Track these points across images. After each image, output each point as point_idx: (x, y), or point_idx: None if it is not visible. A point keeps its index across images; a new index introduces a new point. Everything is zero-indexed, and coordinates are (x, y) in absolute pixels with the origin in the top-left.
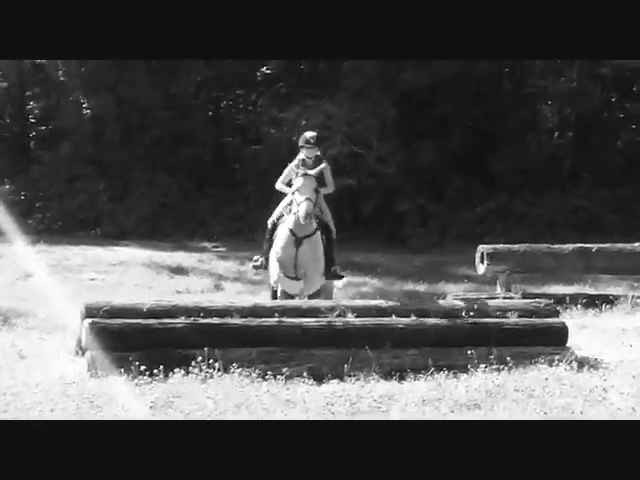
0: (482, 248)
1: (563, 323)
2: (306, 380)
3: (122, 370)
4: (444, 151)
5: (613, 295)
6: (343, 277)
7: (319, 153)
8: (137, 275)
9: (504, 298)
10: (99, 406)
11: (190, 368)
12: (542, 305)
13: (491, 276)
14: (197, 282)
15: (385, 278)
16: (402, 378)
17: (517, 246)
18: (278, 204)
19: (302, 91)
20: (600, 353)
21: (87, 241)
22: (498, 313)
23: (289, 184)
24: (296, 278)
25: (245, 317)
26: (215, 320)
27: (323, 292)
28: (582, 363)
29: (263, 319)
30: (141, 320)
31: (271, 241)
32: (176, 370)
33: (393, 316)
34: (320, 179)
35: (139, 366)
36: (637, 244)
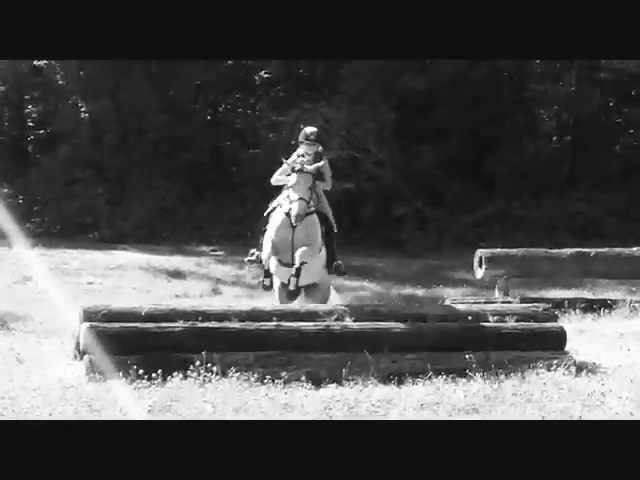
0: (480, 252)
1: (561, 327)
2: (304, 384)
3: (120, 374)
4: (442, 155)
5: (611, 299)
6: (346, 273)
7: (319, 150)
8: (135, 279)
9: (502, 302)
10: (97, 410)
11: (188, 372)
12: (540, 309)
13: (489, 280)
14: (195, 286)
15: (383, 282)
16: (400, 382)
17: (515, 250)
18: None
19: (300, 95)
20: (598, 357)
21: (85, 245)
22: (496, 317)
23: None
24: (292, 264)
25: (243, 321)
26: (213, 324)
27: (320, 288)
28: (580, 367)
29: (261, 323)
30: (139, 324)
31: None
32: (174, 374)
33: (391, 320)
34: (317, 175)
35: (137, 370)
36: (635, 248)
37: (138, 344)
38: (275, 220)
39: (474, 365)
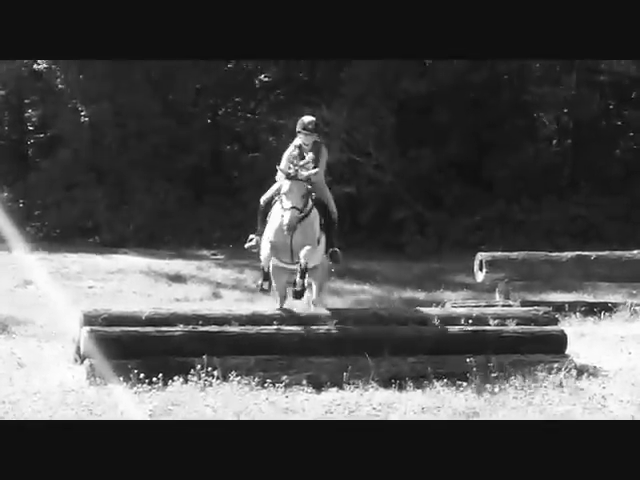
0: (481, 256)
1: (562, 331)
2: (305, 388)
3: (121, 378)
4: (442, 159)
5: (612, 303)
6: (339, 262)
7: (317, 139)
8: (135, 283)
9: (503, 306)
10: (98, 414)
11: (189, 376)
12: (541, 313)
13: (490, 284)
14: (195, 290)
15: (384, 286)
16: (401, 386)
17: (516, 254)
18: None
19: (300, 98)
20: (599, 361)
21: (85, 249)
22: (497, 321)
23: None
24: (292, 264)
25: (244, 325)
26: (214, 328)
27: (320, 268)
28: (581, 371)
29: (262, 327)
30: (139, 328)
31: (265, 222)
32: (175, 378)
33: (392, 324)
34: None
35: (138, 374)
36: (635, 252)
37: (138, 348)
38: (273, 222)
39: (475, 369)
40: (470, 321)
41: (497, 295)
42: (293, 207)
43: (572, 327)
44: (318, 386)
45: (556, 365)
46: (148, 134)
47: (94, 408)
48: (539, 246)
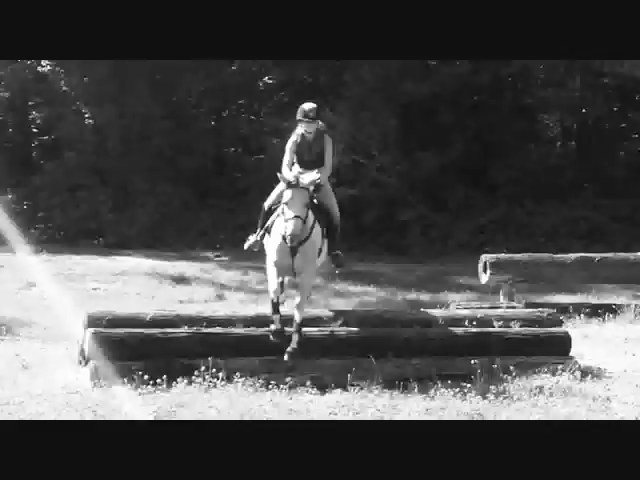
0: (485, 257)
1: (566, 332)
2: (309, 390)
3: (125, 380)
4: (446, 161)
5: (616, 304)
6: (343, 265)
7: (320, 126)
8: (140, 285)
9: (507, 307)
10: (102, 415)
11: (193, 378)
12: (545, 314)
13: (494, 285)
14: (200, 292)
15: (387, 288)
16: (405, 388)
17: (520, 255)
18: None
19: (304, 101)
20: (603, 362)
21: (90, 251)
22: (501, 323)
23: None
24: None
25: (248, 326)
26: (218, 330)
27: (311, 280)
28: (585, 372)
29: (266, 328)
30: (144, 330)
31: (266, 226)
32: (179, 380)
33: (396, 326)
34: (315, 187)
35: (142, 376)
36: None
37: (143, 350)
38: (273, 242)
39: (479, 370)
40: (474, 323)
41: (501, 297)
42: (296, 216)
43: (576, 329)
44: (322, 388)
45: (560, 367)
46: (152, 136)
47: (98, 410)
48: (543, 248)
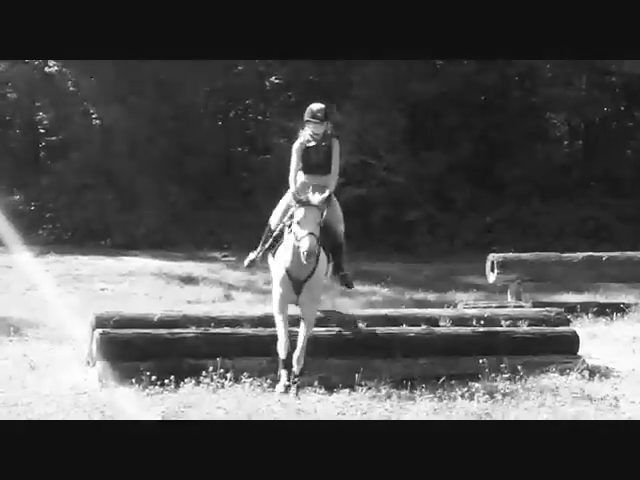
0: (492, 257)
1: (574, 332)
2: (317, 390)
3: (133, 380)
4: (453, 160)
5: (624, 303)
6: (352, 286)
7: (328, 129)
8: (147, 285)
9: (514, 307)
10: (110, 416)
11: (201, 378)
12: (553, 314)
13: (501, 285)
14: (207, 292)
15: (395, 287)
16: (413, 387)
17: (527, 255)
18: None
19: (311, 101)
20: (611, 362)
21: (97, 251)
22: (509, 322)
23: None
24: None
25: (256, 327)
26: (226, 330)
27: (316, 305)
28: (593, 372)
29: (273, 329)
30: (151, 330)
31: (267, 244)
32: (187, 380)
33: (404, 325)
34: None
35: (150, 376)
36: None
37: (150, 350)
38: (278, 274)
39: (487, 370)
40: (482, 322)
41: (509, 296)
42: (310, 233)
43: (584, 328)
44: (330, 387)
45: (568, 366)
46: (159, 137)
47: (106, 410)
48: (550, 247)
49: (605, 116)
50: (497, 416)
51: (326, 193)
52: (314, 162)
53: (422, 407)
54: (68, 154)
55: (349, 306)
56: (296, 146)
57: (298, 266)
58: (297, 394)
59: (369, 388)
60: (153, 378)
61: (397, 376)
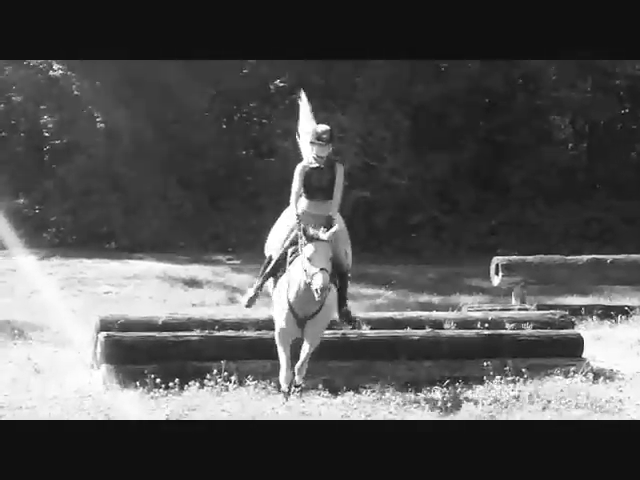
0: (497, 260)
1: (578, 334)
2: (321, 392)
3: (137, 383)
4: (457, 163)
5: (628, 306)
6: (354, 322)
7: (330, 153)
8: (152, 288)
9: (519, 309)
10: (114, 419)
11: (205, 381)
12: (557, 316)
13: (506, 287)
14: (212, 295)
15: (399, 290)
16: (417, 390)
17: (532, 257)
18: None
19: (315, 104)
20: (616, 364)
21: (101, 254)
22: (513, 325)
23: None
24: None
25: (260, 329)
26: (230, 333)
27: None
28: (598, 374)
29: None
30: (156, 333)
31: (266, 276)
32: (191, 383)
33: (408, 328)
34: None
35: (154, 379)
36: None
37: (155, 353)
38: (280, 306)
39: (491, 372)
40: (486, 325)
41: (513, 299)
42: (322, 269)
43: (588, 330)
44: (334, 390)
45: (573, 369)
46: (163, 140)
47: (110, 413)
48: (555, 250)
49: (610, 118)
50: (501, 418)
51: (335, 227)
52: (316, 187)
53: (426, 409)
54: (73, 157)
55: (354, 309)
56: (299, 169)
57: (304, 302)
58: (300, 395)
59: (373, 391)
60: (157, 381)
61: (401, 379)
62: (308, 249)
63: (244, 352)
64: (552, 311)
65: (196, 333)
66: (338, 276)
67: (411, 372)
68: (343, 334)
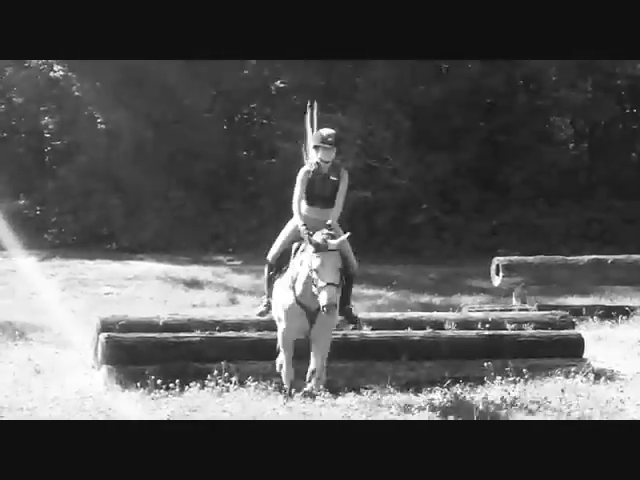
0: (497, 260)
1: (579, 335)
2: (322, 393)
3: (138, 384)
4: (458, 163)
5: (629, 306)
6: (357, 322)
7: (334, 157)
8: (152, 289)
9: (520, 310)
10: (115, 420)
11: (206, 382)
12: (558, 317)
13: (506, 288)
14: (212, 296)
15: (400, 290)
16: (418, 390)
17: (532, 258)
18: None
19: (317, 103)
20: (617, 365)
21: (102, 255)
22: (514, 325)
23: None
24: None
25: (261, 330)
26: (231, 334)
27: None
28: (599, 375)
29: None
30: (157, 334)
31: (272, 283)
32: (192, 384)
33: (409, 329)
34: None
35: (155, 380)
36: None
37: (156, 354)
38: (284, 300)
39: (492, 373)
40: (487, 325)
41: (514, 299)
42: (330, 283)
43: (589, 331)
44: (335, 391)
45: (573, 369)
46: (164, 141)
47: (111, 414)
48: (555, 250)
49: (610, 118)
50: (502, 419)
51: (344, 235)
52: (318, 194)
53: (427, 410)
54: (73, 158)
55: (355, 309)
56: (301, 174)
57: (312, 297)
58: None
59: (374, 391)
60: (158, 382)
61: (402, 379)
62: (316, 261)
63: (245, 353)
64: (553, 311)
65: (197, 334)
66: (345, 277)
67: (412, 372)
68: (344, 335)
